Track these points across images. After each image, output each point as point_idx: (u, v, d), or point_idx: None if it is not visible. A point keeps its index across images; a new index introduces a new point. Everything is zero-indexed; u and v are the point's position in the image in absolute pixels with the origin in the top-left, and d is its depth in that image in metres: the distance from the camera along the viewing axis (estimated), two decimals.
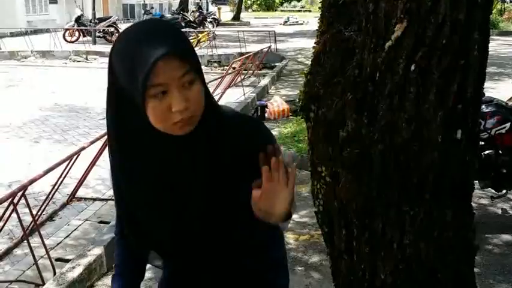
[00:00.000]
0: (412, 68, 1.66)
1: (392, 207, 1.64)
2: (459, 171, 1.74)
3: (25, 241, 3.58)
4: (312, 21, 25.14)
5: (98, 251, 3.40)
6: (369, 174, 1.59)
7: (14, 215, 3.95)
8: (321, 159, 1.60)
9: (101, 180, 5.43)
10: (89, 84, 10.65)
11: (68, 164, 3.95)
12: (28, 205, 3.34)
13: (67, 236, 4.17)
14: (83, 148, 3.97)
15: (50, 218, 4.51)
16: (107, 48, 15.07)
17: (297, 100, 2.16)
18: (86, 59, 13.95)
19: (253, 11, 34.21)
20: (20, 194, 3.16)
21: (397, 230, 1.61)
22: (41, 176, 3.40)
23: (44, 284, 3.18)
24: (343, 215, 1.58)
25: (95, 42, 16.49)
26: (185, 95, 1.07)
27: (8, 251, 3.88)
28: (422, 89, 1.69)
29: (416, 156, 1.69)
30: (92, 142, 4.10)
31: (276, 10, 35.92)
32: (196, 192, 1.20)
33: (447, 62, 1.65)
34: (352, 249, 1.55)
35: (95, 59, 14.02)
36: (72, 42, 16.51)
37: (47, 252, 3.44)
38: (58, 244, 4.05)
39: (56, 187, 4.12)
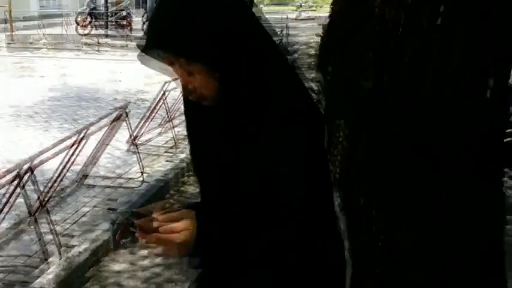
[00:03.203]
0: (438, 22, 1.57)
1: (414, 175, 1.54)
2: (487, 133, 1.64)
3: (32, 217, 3.52)
4: (324, 16, 24.91)
5: (104, 226, 3.34)
6: (390, 137, 1.50)
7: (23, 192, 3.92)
8: (338, 121, 1.52)
9: (111, 159, 5.38)
10: (99, 75, 10.63)
11: (77, 146, 3.88)
12: (36, 184, 3.28)
13: (75, 213, 4.11)
14: (92, 133, 3.91)
15: (59, 196, 4.45)
16: (119, 41, 15.11)
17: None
18: (98, 51, 13.96)
19: (265, 5, 34.01)
20: (27, 176, 3.09)
21: (416, 202, 1.50)
22: (48, 149, 3.34)
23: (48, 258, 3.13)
24: (362, 181, 1.49)
25: (107, 35, 16.50)
26: (187, 80, 1.14)
27: (15, 227, 3.82)
28: (448, 44, 1.59)
29: (440, 117, 1.59)
30: (101, 127, 4.05)
31: (287, 5, 35.64)
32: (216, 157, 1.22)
33: (475, 15, 1.56)
34: (370, 217, 1.45)
35: (106, 51, 14.02)
36: (85, 35, 16.53)
37: (54, 230, 3.37)
38: (65, 221, 3.98)
39: (63, 171, 4.05)
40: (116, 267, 3.25)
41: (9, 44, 14.48)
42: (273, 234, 1.17)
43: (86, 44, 14.61)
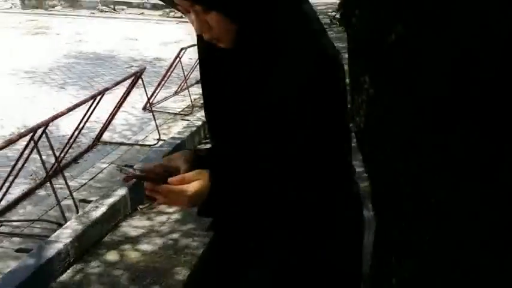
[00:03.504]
0: None
1: (447, 130, 1.38)
2: None
3: (48, 182, 3.46)
4: None
5: (122, 191, 3.26)
6: (420, 86, 1.33)
7: (37, 156, 3.86)
8: (363, 67, 1.34)
9: (127, 126, 5.30)
10: (116, 33, 10.45)
11: (91, 104, 3.78)
12: (50, 143, 3.19)
13: (91, 179, 4.05)
14: (106, 89, 3.79)
15: (75, 160, 4.39)
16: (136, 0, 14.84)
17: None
18: (114, 9, 13.70)
19: None
20: (40, 131, 3.00)
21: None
22: (63, 113, 3.24)
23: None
24: (388, 132, 1.28)
25: None
26: (202, 20, 1.11)
27: (31, 192, 3.77)
28: None
29: (481, 61, 1.42)
30: (117, 83, 3.92)
31: None
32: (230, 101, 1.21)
33: None
34: (398, 169, 1.27)
35: (122, 9, 13.77)
36: None
37: (70, 193, 3.31)
38: (82, 186, 3.93)
39: (79, 128, 3.96)
40: (133, 232, 3.18)
41: (23, 1, 14.26)
42: (284, 188, 1.16)
43: (102, 2, 14.35)
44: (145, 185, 1.16)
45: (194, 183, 1.14)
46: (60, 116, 3.22)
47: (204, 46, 1.22)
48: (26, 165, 3.89)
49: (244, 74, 1.17)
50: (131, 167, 1.27)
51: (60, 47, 9.17)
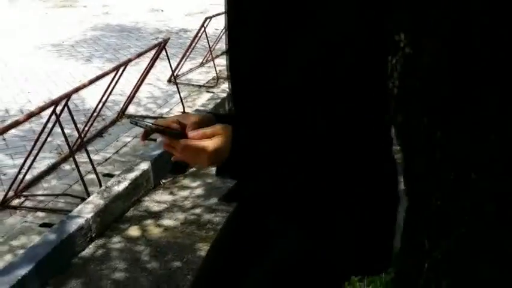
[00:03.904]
0: None
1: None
2: None
3: (71, 151, 3.44)
4: None
5: (145, 166, 3.21)
6: (464, 39, 1.18)
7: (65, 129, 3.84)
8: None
9: (152, 98, 5.25)
10: (142, 4, 10.36)
11: (114, 76, 3.72)
12: (71, 116, 3.15)
13: (116, 152, 4.02)
14: (130, 60, 3.72)
15: (99, 134, 4.36)
16: None
17: None
18: None
19: None
20: (62, 103, 2.96)
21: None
22: (84, 86, 3.19)
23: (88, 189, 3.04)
24: (425, 97, 1.13)
25: None
26: None
27: (55, 166, 3.76)
28: None
29: None
30: (140, 54, 3.84)
31: None
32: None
33: None
34: (435, 143, 1.14)
35: None
36: None
37: (93, 167, 3.28)
38: (106, 160, 3.90)
39: (102, 100, 3.92)
40: (155, 207, 3.14)
41: None
42: (314, 147, 1.05)
43: None
44: (163, 139, 1.08)
45: (215, 138, 1.03)
46: (82, 88, 3.17)
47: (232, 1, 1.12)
48: (51, 139, 3.90)
49: (277, 26, 1.06)
50: (144, 118, 1.16)
51: (87, 19, 9.14)
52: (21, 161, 3.26)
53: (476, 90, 0.91)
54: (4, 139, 4.28)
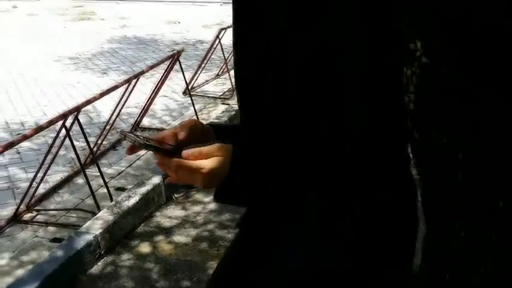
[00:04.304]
0: None
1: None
2: None
3: (86, 169, 3.40)
4: None
5: (156, 180, 3.14)
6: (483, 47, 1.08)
7: (78, 142, 3.80)
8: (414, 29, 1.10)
9: (167, 111, 5.21)
10: (159, 17, 10.42)
11: (127, 88, 3.67)
12: (82, 130, 3.10)
13: (129, 166, 3.97)
14: (142, 72, 3.67)
15: (113, 147, 4.32)
16: None
17: None
18: None
19: None
20: (72, 116, 2.91)
21: None
22: (96, 98, 3.14)
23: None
24: (444, 112, 1.02)
25: None
26: None
27: (68, 180, 3.72)
28: None
29: None
30: (152, 66, 3.79)
31: None
32: None
33: None
34: (456, 165, 1.03)
35: None
36: None
37: (104, 182, 3.23)
38: (119, 174, 3.85)
39: (115, 112, 3.87)
40: (167, 222, 3.07)
41: None
42: (325, 164, 0.96)
43: None
44: (154, 156, 0.98)
45: (212, 159, 0.93)
46: (93, 101, 3.12)
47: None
48: (65, 152, 3.86)
49: (290, 22, 0.98)
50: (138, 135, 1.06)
51: (105, 32, 9.20)
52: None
53: (506, 107, 0.81)
54: (18, 152, 4.26)
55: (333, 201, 0.98)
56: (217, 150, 0.94)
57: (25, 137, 2.59)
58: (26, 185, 3.40)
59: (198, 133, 1.02)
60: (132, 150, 1.00)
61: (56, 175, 3.76)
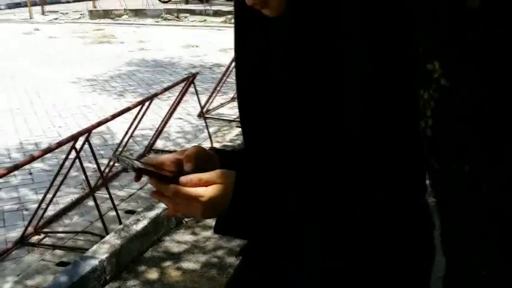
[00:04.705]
0: None
1: None
2: None
3: (97, 191, 3.35)
4: None
5: None
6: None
7: (91, 164, 3.76)
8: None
9: (181, 133, 5.16)
10: (177, 41, 10.50)
11: (139, 110, 3.63)
12: (93, 152, 3.05)
13: (140, 188, 3.90)
14: (156, 94, 3.63)
15: (125, 169, 4.26)
16: (199, 7, 14.94)
17: None
18: (177, 17, 13.86)
19: None
20: (82, 138, 2.86)
21: None
22: (107, 120, 3.10)
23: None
24: (466, 139, 0.93)
25: (187, 2, 16.39)
26: None
27: (79, 202, 3.66)
28: None
29: None
30: (166, 89, 3.75)
31: None
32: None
33: None
34: (480, 198, 0.94)
35: (185, 17, 13.92)
36: (166, 2, 16.51)
37: (113, 204, 3.17)
38: (130, 196, 3.79)
39: (128, 134, 3.83)
40: (175, 248, 2.98)
41: (91, 11, 14.70)
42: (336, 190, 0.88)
43: (165, 10, 14.55)
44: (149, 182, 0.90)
45: (212, 186, 0.86)
46: (104, 122, 3.08)
47: (241, 18, 0.98)
48: (76, 173, 3.82)
49: (293, 47, 0.91)
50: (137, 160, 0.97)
51: (123, 55, 9.28)
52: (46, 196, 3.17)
53: None
54: (30, 173, 4.24)
55: (335, 218, 0.90)
56: (219, 177, 0.87)
57: (33, 159, 2.54)
58: (35, 206, 3.35)
59: (203, 161, 0.94)
60: (140, 177, 0.92)
61: (67, 196, 3.71)
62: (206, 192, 0.85)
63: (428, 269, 0.98)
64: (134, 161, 0.89)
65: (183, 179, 0.86)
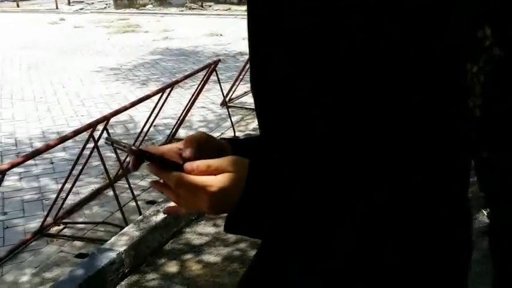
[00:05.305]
0: None
1: None
2: None
3: (114, 183, 3.27)
4: None
5: None
6: None
7: (113, 153, 3.69)
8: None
9: (204, 122, 5.07)
10: (201, 30, 10.41)
11: (160, 98, 3.53)
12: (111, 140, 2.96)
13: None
14: (176, 82, 3.53)
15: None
16: None
17: None
18: (202, 6, 13.77)
19: None
20: (101, 126, 2.78)
21: None
22: (126, 108, 3.00)
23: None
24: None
25: None
26: None
27: (99, 191, 3.59)
28: None
29: None
30: (187, 76, 3.65)
31: None
32: None
33: None
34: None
35: (209, 6, 13.83)
36: None
37: (133, 195, 3.08)
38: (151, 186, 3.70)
39: (149, 123, 3.73)
40: (196, 240, 2.88)
41: (116, 1, 14.70)
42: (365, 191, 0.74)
43: (191, 1, 14.49)
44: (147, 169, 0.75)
45: (223, 175, 0.71)
46: (123, 110, 2.98)
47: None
48: (98, 162, 3.75)
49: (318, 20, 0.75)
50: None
51: (147, 44, 9.23)
52: (66, 186, 3.10)
53: None
54: (52, 163, 4.19)
55: (361, 249, 0.77)
56: (230, 165, 0.71)
57: (48, 147, 2.46)
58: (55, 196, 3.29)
59: (209, 150, 0.81)
60: (136, 162, 0.76)
61: (87, 186, 3.65)
62: (215, 181, 0.70)
63: (466, 265, 0.85)
64: (132, 146, 0.75)
65: (188, 165, 0.71)
